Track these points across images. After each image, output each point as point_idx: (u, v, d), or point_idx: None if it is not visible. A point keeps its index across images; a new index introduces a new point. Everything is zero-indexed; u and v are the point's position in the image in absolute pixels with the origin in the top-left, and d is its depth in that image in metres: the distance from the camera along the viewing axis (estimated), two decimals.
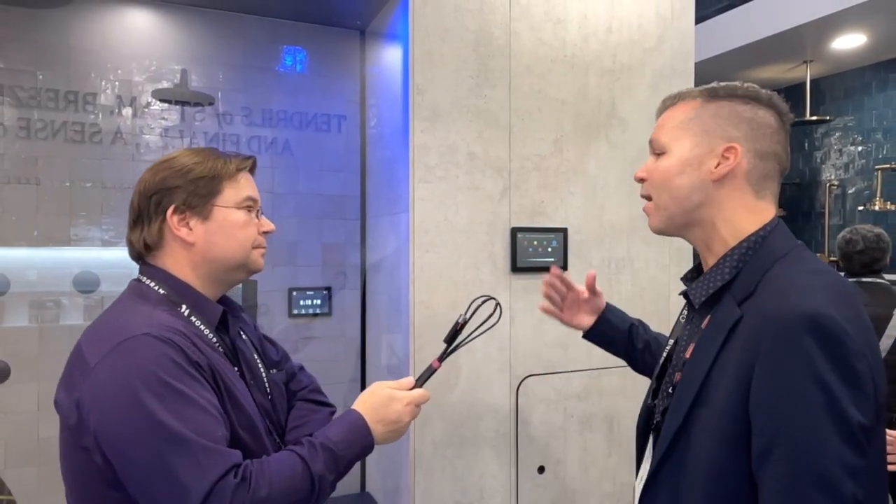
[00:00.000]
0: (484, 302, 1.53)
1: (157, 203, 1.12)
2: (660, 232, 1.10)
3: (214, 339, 1.13)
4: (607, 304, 1.44)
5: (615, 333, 1.42)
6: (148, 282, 1.13)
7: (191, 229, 1.13)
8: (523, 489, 1.82)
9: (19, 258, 1.89)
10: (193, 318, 1.11)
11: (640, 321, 1.45)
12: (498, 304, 1.55)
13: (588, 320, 1.42)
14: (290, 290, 2.16)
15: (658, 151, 1.06)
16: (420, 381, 1.36)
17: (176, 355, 1.00)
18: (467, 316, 1.50)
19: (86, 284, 1.96)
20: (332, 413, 1.35)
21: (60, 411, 1.04)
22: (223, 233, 1.15)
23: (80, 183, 1.94)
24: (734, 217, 0.99)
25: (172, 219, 1.12)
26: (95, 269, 1.97)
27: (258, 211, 1.21)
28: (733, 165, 0.98)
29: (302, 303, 2.17)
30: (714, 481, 0.88)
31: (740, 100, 1.00)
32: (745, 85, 1.02)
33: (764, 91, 1.01)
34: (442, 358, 1.45)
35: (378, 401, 1.23)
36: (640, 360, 1.40)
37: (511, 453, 1.81)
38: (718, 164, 0.98)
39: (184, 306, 1.12)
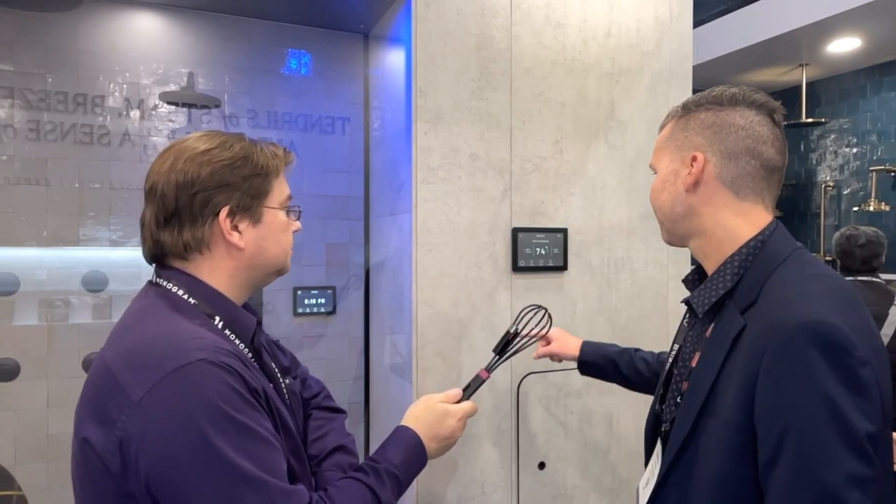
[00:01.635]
0: (535, 312, 1.55)
1: (203, 202, 0.95)
2: (671, 244, 1.14)
3: (251, 356, 1.01)
4: (583, 342, 1.62)
5: (597, 369, 1.60)
6: (174, 288, 0.96)
7: (240, 233, 0.99)
8: (524, 485, 1.85)
9: (29, 258, 1.92)
10: (228, 332, 0.97)
11: (625, 350, 1.57)
12: (547, 312, 1.57)
13: (575, 350, 1.61)
14: (295, 290, 2.20)
15: (654, 173, 1.12)
16: (468, 393, 1.34)
17: (236, 383, 0.86)
18: (519, 327, 1.52)
19: (94, 284, 1.99)
20: (345, 419, 1.28)
21: (91, 451, 0.85)
22: (272, 237, 1.03)
23: (88, 184, 1.97)
24: (723, 222, 1.01)
25: (225, 222, 0.97)
26: (104, 268, 2.00)
27: (298, 210, 1.12)
28: (698, 172, 1.01)
29: (307, 302, 2.20)
30: (722, 489, 0.89)
31: (704, 108, 1.03)
32: (714, 90, 1.04)
33: (730, 91, 1.02)
34: (490, 368, 1.45)
35: (433, 417, 1.18)
36: (636, 385, 1.55)
37: (512, 449, 1.84)
38: (689, 174, 1.02)
39: (217, 318, 0.97)
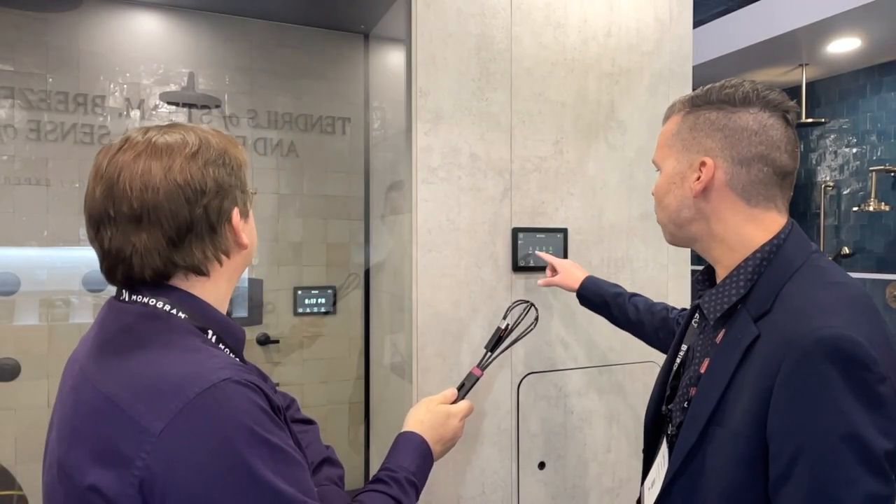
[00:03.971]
0: (524, 307, 1.58)
1: (217, 210, 0.87)
2: (674, 245, 1.10)
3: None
4: (586, 278, 1.69)
5: (592, 305, 1.68)
6: (156, 303, 0.85)
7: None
8: (524, 484, 1.86)
9: (29, 258, 1.93)
10: (222, 346, 0.89)
11: (620, 294, 1.65)
12: (532, 305, 1.63)
13: (576, 283, 1.70)
14: (296, 290, 2.20)
15: (657, 169, 1.08)
16: (463, 392, 1.34)
17: (262, 402, 0.79)
18: (510, 323, 1.54)
19: (94, 284, 1.99)
20: (318, 429, 1.22)
21: (100, 499, 0.73)
22: (253, 234, 0.96)
23: None
24: (733, 228, 0.97)
25: (239, 224, 0.90)
26: None
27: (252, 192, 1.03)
28: (708, 179, 0.96)
29: (307, 301, 2.20)
30: (728, 502, 0.87)
31: (715, 107, 0.98)
32: (725, 86, 0.98)
33: (743, 89, 0.97)
34: (483, 366, 1.46)
35: (437, 420, 1.17)
36: (621, 325, 1.65)
37: (512, 449, 1.85)
38: (698, 179, 0.98)
39: (210, 332, 0.88)
